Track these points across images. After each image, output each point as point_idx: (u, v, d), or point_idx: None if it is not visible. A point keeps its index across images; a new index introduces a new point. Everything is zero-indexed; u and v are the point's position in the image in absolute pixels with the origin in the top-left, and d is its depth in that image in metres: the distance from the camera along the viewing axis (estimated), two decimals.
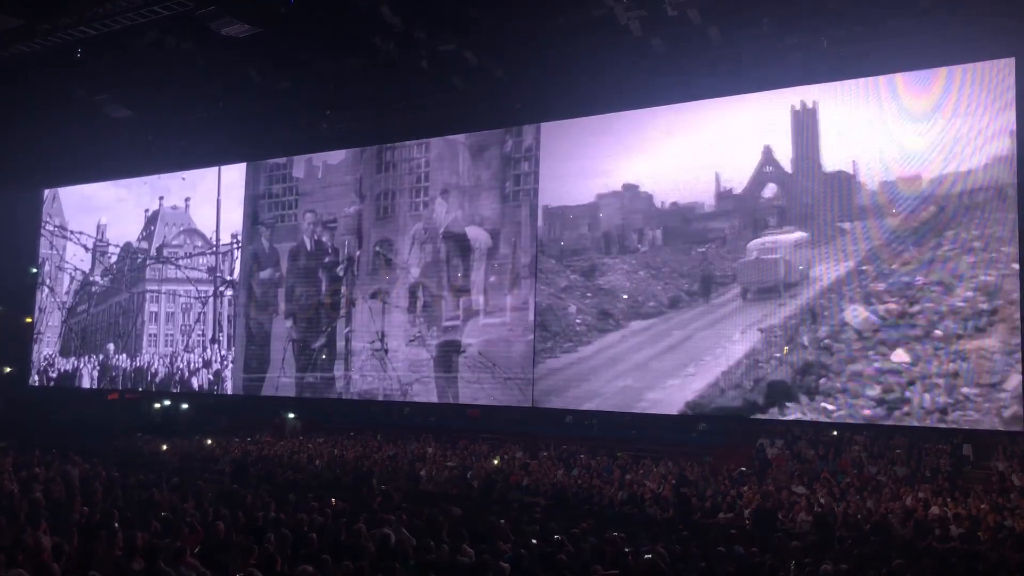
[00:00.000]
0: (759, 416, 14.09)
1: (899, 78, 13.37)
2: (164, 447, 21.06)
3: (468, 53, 14.59)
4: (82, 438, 21.20)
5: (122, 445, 21.58)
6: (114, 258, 22.84)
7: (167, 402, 25.85)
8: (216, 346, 20.41)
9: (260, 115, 18.02)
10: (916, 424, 12.90)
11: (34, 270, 24.23)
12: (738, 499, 14.11)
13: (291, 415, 24.91)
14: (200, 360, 20.66)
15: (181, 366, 20.96)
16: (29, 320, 24.20)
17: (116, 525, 9.08)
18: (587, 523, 10.81)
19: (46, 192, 24.21)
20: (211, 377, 20.41)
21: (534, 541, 9.64)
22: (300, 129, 18.75)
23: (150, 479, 14.17)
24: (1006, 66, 12.65)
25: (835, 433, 17.77)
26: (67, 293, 23.61)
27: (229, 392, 20.25)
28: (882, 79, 13.49)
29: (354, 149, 18.80)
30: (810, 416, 13.65)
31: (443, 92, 16.12)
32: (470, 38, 14.44)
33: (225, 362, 20.15)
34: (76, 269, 23.48)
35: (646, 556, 8.80)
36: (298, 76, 16.22)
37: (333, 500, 12.28)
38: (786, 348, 13.78)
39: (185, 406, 25.92)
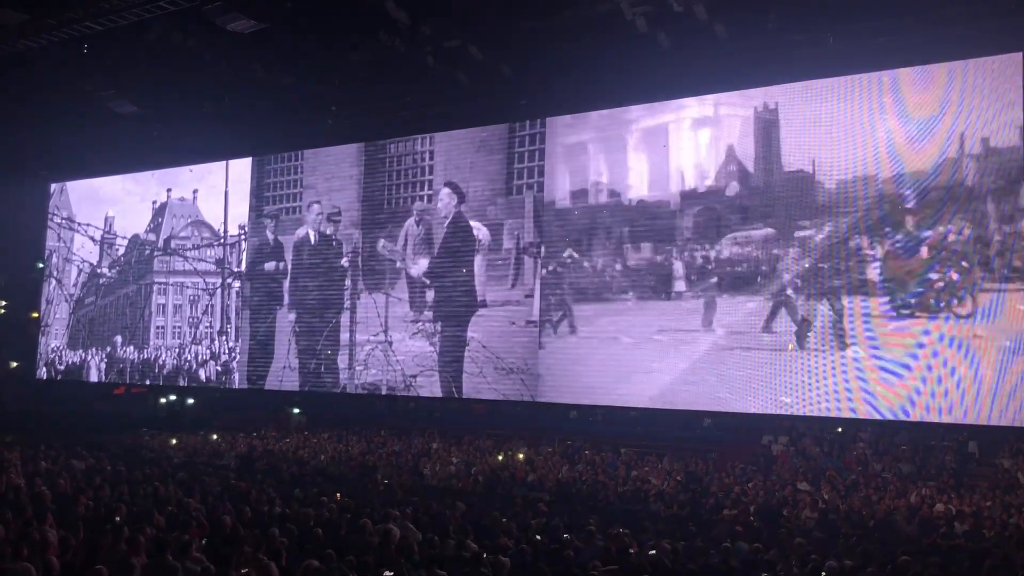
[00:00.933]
0: (747, 412, 14.30)
1: (886, 75, 13.46)
2: (173, 441, 21.12)
3: (474, 49, 14.56)
4: (88, 432, 21.29)
5: (128, 440, 21.66)
6: (122, 250, 22.92)
7: (172, 397, 25.93)
8: (224, 338, 20.47)
9: (265, 110, 18.02)
10: (924, 421, 12.99)
11: (41, 265, 24.29)
12: (742, 496, 14.11)
13: (296, 411, 24.97)
14: (208, 352, 20.72)
15: (189, 358, 21.02)
16: (35, 315, 24.27)
17: (120, 519, 9.12)
18: (592, 520, 10.81)
19: (53, 185, 24.29)
20: (219, 369, 20.47)
21: (539, 537, 9.65)
22: (305, 124, 18.74)
23: (155, 473, 14.22)
24: (1004, 63, 12.61)
25: (840, 430, 17.76)
26: (75, 285, 23.68)
27: (236, 384, 20.29)
28: (869, 77, 13.60)
29: (359, 144, 18.84)
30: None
31: (448, 88, 16.10)
32: (476, 34, 14.41)
33: (233, 354, 20.21)
34: (84, 261, 23.56)
35: (650, 552, 8.81)
36: (303, 72, 16.22)
37: (338, 495, 12.32)
38: (775, 342, 13.85)
39: (191, 401, 26.00)
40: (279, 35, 14.14)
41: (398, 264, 17.92)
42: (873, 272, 13.19)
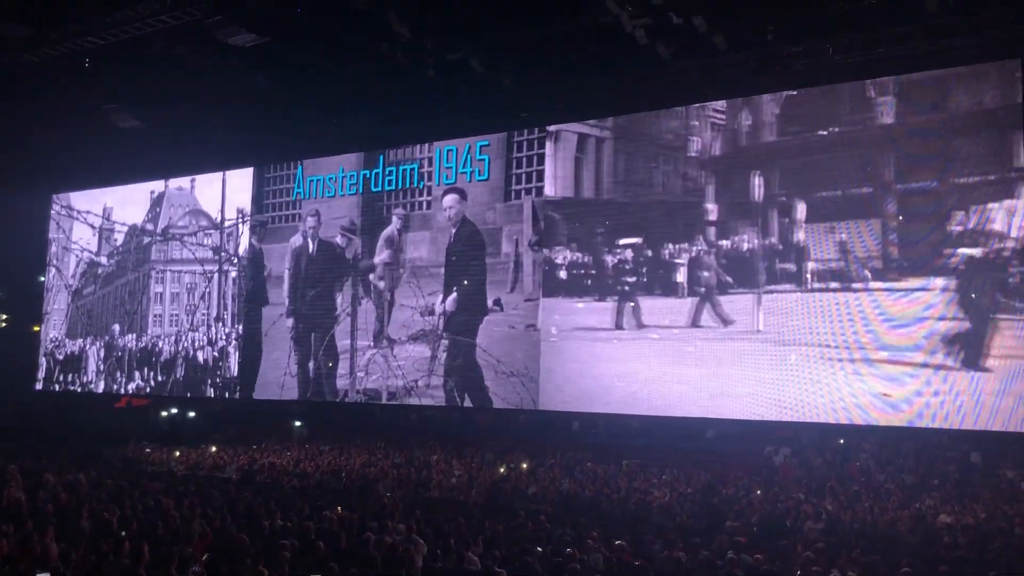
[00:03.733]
0: (759, 420, 14.57)
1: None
2: (177, 453, 21.09)
3: (475, 61, 14.63)
4: (89, 445, 21.25)
5: (129, 453, 21.63)
6: (120, 240, 23.13)
7: (174, 410, 25.90)
8: (220, 324, 20.60)
9: (267, 122, 18.12)
10: (932, 426, 13.39)
11: (42, 278, 24.31)
12: (746, 507, 14.06)
13: (297, 423, 24.92)
14: (204, 339, 20.87)
15: (186, 344, 21.12)
16: (37, 328, 24.28)
17: (123, 532, 9.11)
18: (595, 532, 10.77)
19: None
20: (215, 354, 20.60)
21: (539, 549, 9.62)
22: (307, 136, 18.85)
23: (157, 487, 14.19)
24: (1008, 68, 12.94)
25: (842, 441, 17.74)
26: (73, 276, 23.84)
27: (233, 371, 20.35)
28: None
29: (360, 153, 19.01)
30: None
31: (450, 100, 16.18)
32: (477, 46, 14.48)
33: (229, 339, 20.35)
34: (83, 250, 23.78)
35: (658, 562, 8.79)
36: (305, 84, 16.29)
37: (339, 508, 12.27)
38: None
39: (192, 414, 25.96)
40: (280, 49, 14.20)
41: (402, 270, 17.98)
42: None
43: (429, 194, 17.96)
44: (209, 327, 20.84)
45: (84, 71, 15.34)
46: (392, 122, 17.82)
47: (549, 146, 16.51)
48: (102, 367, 22.66)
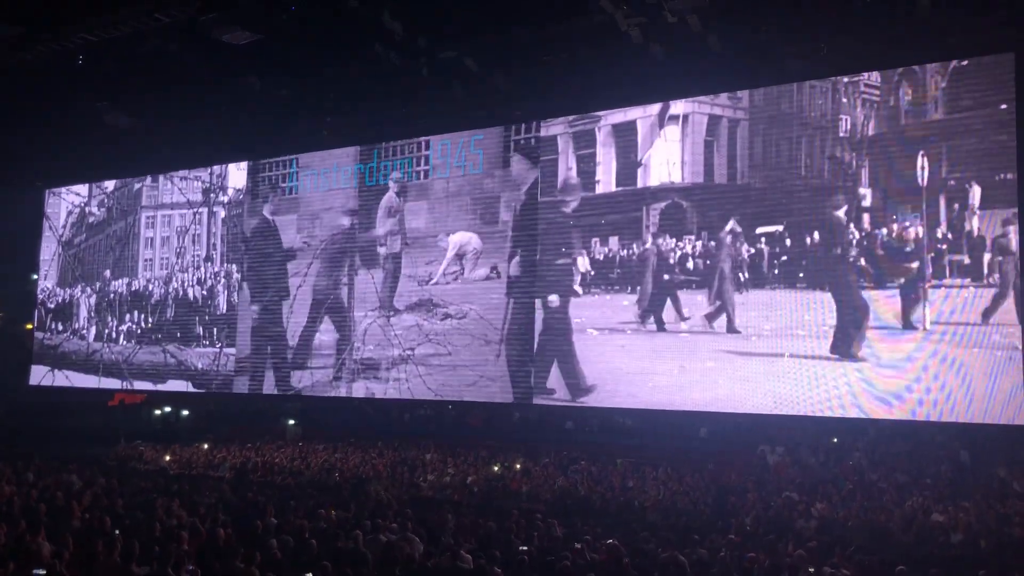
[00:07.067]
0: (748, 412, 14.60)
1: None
2: (167, 458, 21.02)
3: (469, 60, 14.62)
4: (82, 444, 21.19)
5: (122, 451, 21.58)
6: (110, 187, 23.24)
7: (167, 408, 25.85)
8: (209, 264, 20.83)
9: (261, 121, 18.08)
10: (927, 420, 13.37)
11: (35, 276, 24.22)
12: (739, 506, 14.09)
13: (291, 422, 24.89)
14: (194, 279, 21.11)
15: (176, 286, 21.33)
16: (29, 327, 24.18)
17: (116, 532, 9.08)
18: (589, 530, 10.79)
19: None
20: (204, 293, 20.79)
21: (523, 548, 9.60)
22: (300, 135, 18.83)
23: (149, 485, 14.17)
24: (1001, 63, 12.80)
25: (835, 440, 17.76)
26: (64, 226, 23.88)
27: (222, 309, 20.41)
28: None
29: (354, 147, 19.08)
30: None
31: (444, 99, 16.17)
32: (471, 45, 14.48)
33: (217, 278, 20.58)
34: (70, 191, 23.88)
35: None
36: (299, 83, 16.26)
37: (331, 506, 12.26)
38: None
39: (185, 412, 25.92)
40: (274, 47, 14.17)
41: (399, 242, 17.98)
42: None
43: (426, 163, 17.91)
44: (198, 267, 20.98)
45: (77, 69, 15.29)
46: (386, 120, 17.81)
47: (675, 130, 15.48)
48: (93, 315, 22.77)
